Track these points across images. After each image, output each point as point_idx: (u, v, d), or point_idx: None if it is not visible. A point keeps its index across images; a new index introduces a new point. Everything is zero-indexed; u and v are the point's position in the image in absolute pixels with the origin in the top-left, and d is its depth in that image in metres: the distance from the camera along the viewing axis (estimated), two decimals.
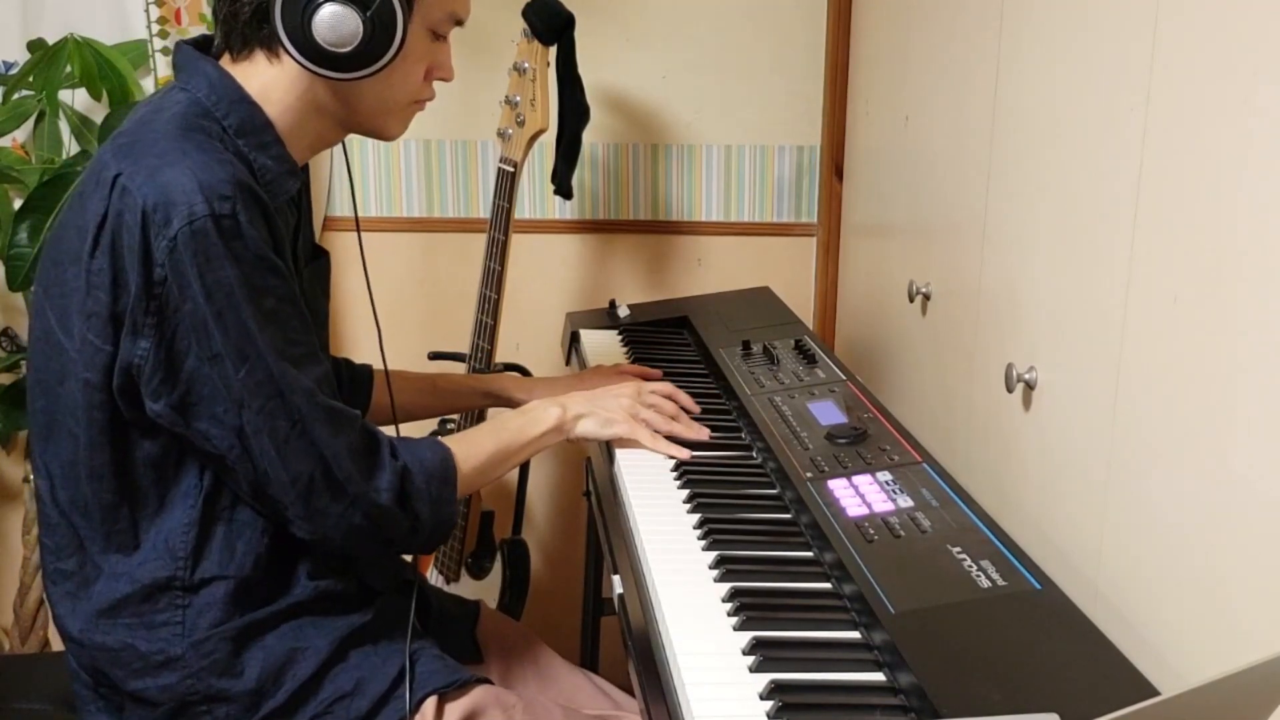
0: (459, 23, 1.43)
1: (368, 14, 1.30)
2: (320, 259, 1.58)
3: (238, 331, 1.26)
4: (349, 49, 1.31)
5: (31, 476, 2.39)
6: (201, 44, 1.40)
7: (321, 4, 1.30)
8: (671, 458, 1.58)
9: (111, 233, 1.25)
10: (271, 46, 1.34)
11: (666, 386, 1.71)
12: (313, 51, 1.31)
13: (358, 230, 1.61)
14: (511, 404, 1.80)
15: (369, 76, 1.34)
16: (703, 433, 1.64)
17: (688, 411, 1.70)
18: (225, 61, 1.36)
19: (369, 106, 1.40)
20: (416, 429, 1.79)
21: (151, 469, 1.34)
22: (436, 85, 1.45)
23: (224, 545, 1.36)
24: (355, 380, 1.75)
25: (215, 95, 1.33)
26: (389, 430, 1.47)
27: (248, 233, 1.25)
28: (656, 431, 1.61)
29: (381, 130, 1.44)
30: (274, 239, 1.30)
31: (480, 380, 1.89)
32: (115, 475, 1.33)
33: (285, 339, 1.29)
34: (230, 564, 1.36)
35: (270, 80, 1.35)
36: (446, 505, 1.41)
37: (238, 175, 1.27)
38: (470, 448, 1.47)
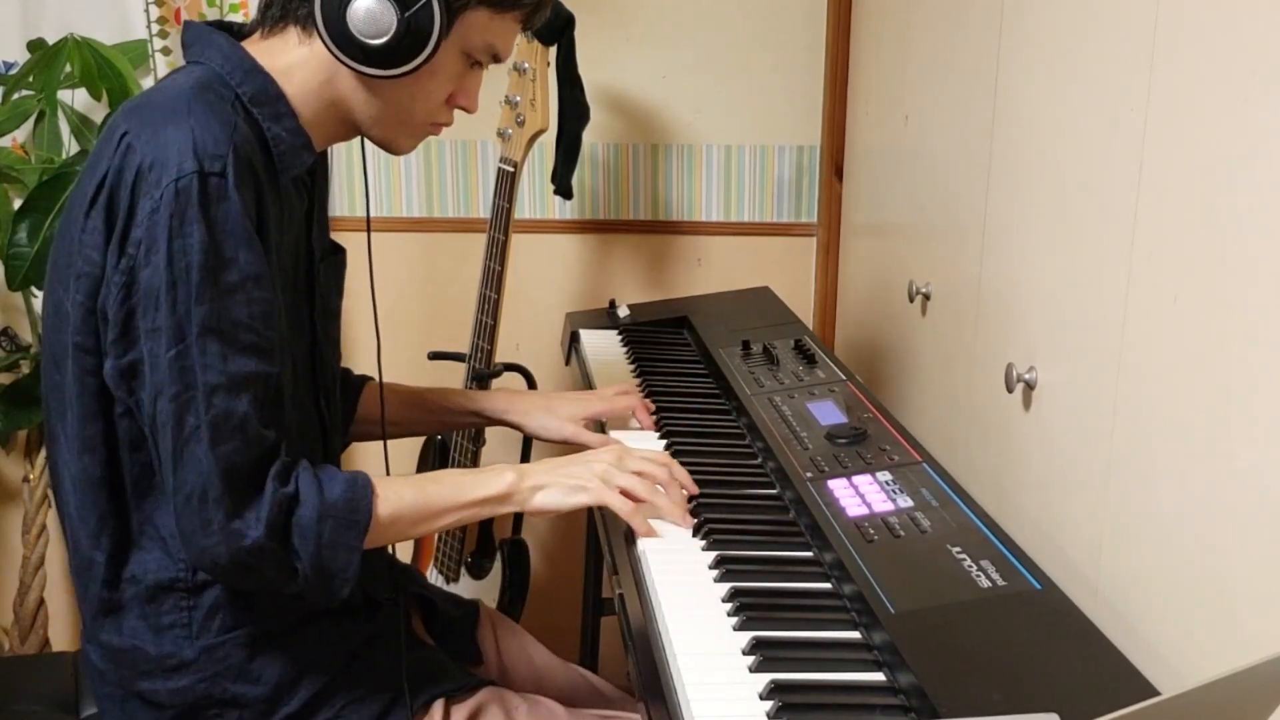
0: (496, 58, 1.39)
1: (405, 14, 1.28)
2: (337, 255, 1.54)
3: (184, 308, 1.21)
4: (378, 42, 1.29)
5: (31, 476, 2.39)
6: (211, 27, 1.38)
7: None
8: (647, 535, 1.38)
9: (110, 190, 1.23)
10: (305, 25, 1.32)
11: (662, 455, 1.48)
12: (342, 36, 1.29)
13: (368, 230, 1.55)
14: (505, 424, 1.70)
15: (391, 78, 1.32)
16: (687, 520, 1.40)
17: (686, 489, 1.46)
18: (252, 40, 1.35)
19: (386, 112, 1.37)
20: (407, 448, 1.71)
21: (131, 449, 1.30)
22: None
23: None
24: (344, 392, 1.65)
25: (229, 65, 1.31)
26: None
27: (232, 196, 1.22)
28: (636, 501, 1.39)
29: (392, 142, 1.41)
30: (259, 214, 1.27)
31: (468, 397, 1.75)
32: (106, 448, 1.30)
33: (234, 321, 1.22)
34: None
35: (296, 60, 1.33)
36: (341, 551, 1.26)
37: (237, 139, 1.24)
38: (393, 493, 1.31)
